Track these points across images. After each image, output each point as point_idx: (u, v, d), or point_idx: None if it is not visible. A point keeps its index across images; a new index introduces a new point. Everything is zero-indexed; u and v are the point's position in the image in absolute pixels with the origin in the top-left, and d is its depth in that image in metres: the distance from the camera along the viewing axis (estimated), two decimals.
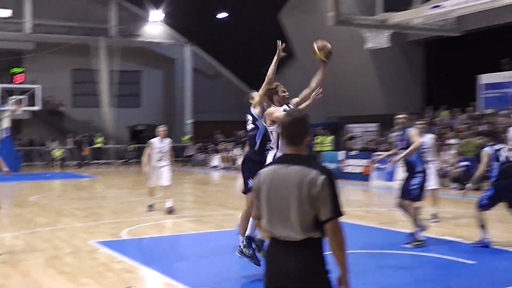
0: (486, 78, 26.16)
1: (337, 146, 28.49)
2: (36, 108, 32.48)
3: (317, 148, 26.51)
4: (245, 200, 8.11)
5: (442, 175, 20.62)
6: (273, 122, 7.38)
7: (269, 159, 7.44)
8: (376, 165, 11.81)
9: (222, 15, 38.10)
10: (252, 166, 7.68)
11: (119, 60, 38.13)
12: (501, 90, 25.45)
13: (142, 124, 40.14)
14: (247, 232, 7.81)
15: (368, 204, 17.55)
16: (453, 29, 9.03)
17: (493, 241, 9.86)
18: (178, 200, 16.47)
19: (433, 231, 11.06)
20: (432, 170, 11.71)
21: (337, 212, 3.67)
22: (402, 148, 10.09)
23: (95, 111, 38.77)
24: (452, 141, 22.03)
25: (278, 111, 7.41)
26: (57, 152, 34.91)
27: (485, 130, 18.54)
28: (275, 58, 7.69)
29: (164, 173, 14.29)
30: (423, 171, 10.02)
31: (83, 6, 38.50)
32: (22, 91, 32.15)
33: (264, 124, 7.68)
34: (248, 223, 7.83)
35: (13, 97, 31.30)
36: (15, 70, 38.28)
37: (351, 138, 28.34)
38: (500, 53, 25.82)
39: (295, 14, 32.21)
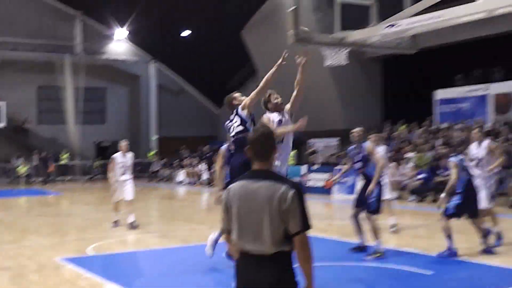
0: (441, 94, 26.57)
1: (300, 161, 28.61)
2: (1, 125, 31.99)
3: None
4: None
5: (401, 187, 20.91)
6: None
7: None
8: (337, 180, 11.94)
9: (186, 32, 38.12)
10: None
11: (85, 77, 37.82)
12: (456, 105, 25.88)
13: (107, 140, 39.80)
14: None
15: (330, 217, 17.63)
16: (408, 47, 9.15)
17: None
18: (143, 216, 16.34)
19: (392, 243, 11.16)
20: (385, 181, 11.85)
21: (306, 225, 3.68)
22: (358, 161, 10.23)
23: (61, 128, 38.32)
24: (410, 154, 22.33)
25: (270, 120, 7.66)
26: (23, 169, 34.39)
27: (453, 141, 18.98)
28: (277, 64, 7.74)
29: (127, 187, 14.19)
30: (379, 183, 10.16)
31: (48, 23, 38.12)
32: None
33: None
34: None
35: None
36: None
37: (313, 152, 28.49)
38: (454, 70, 26.27)
39: (257, 32, 32.36)
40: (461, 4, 7.84)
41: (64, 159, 37.25)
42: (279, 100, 8.01)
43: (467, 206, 9.87)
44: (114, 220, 14.40)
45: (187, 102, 42.95)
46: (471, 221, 10.07)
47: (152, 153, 39.55)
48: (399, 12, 8.28)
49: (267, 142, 3.86)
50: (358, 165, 10.27)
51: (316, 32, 8.73)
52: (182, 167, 34.01)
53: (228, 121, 7.85)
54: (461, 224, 10.55)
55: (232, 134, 7.73)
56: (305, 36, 7.96)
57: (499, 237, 10.72)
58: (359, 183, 10.70)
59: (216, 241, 9.14)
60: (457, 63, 26.27)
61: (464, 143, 18.35)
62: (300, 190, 3.72)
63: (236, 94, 8.05)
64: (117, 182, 14.15)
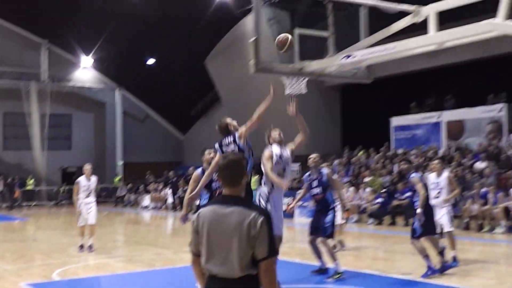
0: (396, 121, 27.00)
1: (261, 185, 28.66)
2: None
3: None
4: None
5: (360, 211, 21.12)
6: (270, 160, 7.97)
7: (262, 194, 7.88)
8: (293, 205, 12.05)
9: (151, 61, 38.18)
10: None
11: (51, 104, 37.46)
12: (411, 132, 26.32)
13: (73, 166, 39.33)
14: None
15: (292, 240, 17.64)
16: (364, 76, 9.32)
17: (406, 273, 10.11)
18: (109, 240, 16.18)
19: (351, 265, 11.25)
20: (338, 206, 12.00)
21: (272, 252, 3.72)
22: (316, 187, 10.27)
23: (27, 154, 37.78)
24: (368, 179, 22.60)
25: (272, 153, 8.10)
26: None
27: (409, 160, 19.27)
28: (269, 97, 7.98)
29: (91, 211, 14.14)
30: (334, 208, 10.28)
31: (14, 51, 37.68)
32: None
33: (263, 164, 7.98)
34: None
35: None
36: None
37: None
38: (409, 98, 26.73)
39: (220, 61, 32.57)
40: (413, 37, 8.05)
41: (30, 184, 36.68)
42: (279, 134, 8.58)
43: (429, 224, 10.03)
44: (80, 244, 14.29)
45: (152, 128, 42.81)
46: (430, 238, 10.19)
47: (117, 178, 39.23)
48: (355, 43, 8.45)
49: (236, 168, 3.89)
50: (316, 190, 10.29)
51: (276, 62, 8.84)
52: (147, 192, 33.78)
53: (221, 144, 7.87)
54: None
55: None
56: (265, 66, 8.06)
57: (455, 260, 10.95)
58: (313, 209, 10.73)
59: None
60: (411, 92, 26.78)
61: (420, 167, 18.69)
62: (269, 217, 3.75)
63: (230, 119, 8.14)
64: (81, 205, 14.10)
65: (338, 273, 9.89)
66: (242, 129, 7.81)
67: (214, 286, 3.77)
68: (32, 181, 36.82)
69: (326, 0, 8.43)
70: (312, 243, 10.34)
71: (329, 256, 10.09)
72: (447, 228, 11.02)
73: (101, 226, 20.39)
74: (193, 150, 40.84)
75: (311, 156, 10.47)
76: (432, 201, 10.57)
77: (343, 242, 13.29)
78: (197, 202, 8.51)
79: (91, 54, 38.27)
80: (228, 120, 8.09)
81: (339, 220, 12.18)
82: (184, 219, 8.32)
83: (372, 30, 8.68)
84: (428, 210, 10.03)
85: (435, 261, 10.08)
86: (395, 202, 19.79)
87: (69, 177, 37.86)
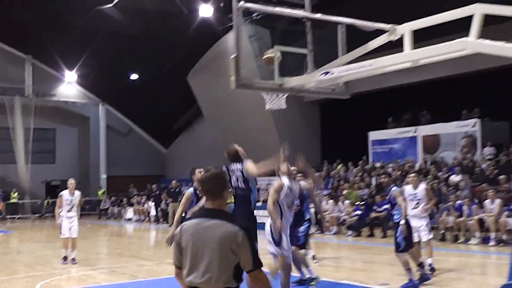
0: (374, 135, 27.19)
1: None
2: None
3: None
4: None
5: (339, 223, 21.19)
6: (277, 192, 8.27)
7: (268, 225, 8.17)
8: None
9: (134, 76, 38.16)
10: (254, 227, 7.70)
11: (35, 118, 37.20)
12: (388, 146, 26.52)
13: (57, 179, 39.02)
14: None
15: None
16: (342, 92, 9.43)
17: (384, 283, 10.17)
18: (93, 252, 16.08)
19: (331, 276, 11.30)
20: (312, 217, 12.10)
21: (257, 264, 3.79)
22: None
23: (11, 167, 37.40)
24: (346, 192, 22.70)
25: (281, 184, 8.40)
26: None
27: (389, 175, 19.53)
28: (277, 158, 8.23)
29: (73, 225, 14.13)
30: (309, 219, 10.36)
31: None
32: None
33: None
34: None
35: None
36: None
37: (257, 190, 28.59)
38: (386, 113, 26.94)
39: (201, 76, 32.59)
40: (389, 54, 8.17)
41: (14, 197, 36.34)
42: (288, 168, 8.75)
43: (410, 237, 10.14)
44: (63, 256, 14.27)
45: (135, 143, 42.68)
46: (410, 251, 10.27)
47: (101, 191, 38.99)
48: (333, 60, 8.55)
49: (218, 181, 3.93)
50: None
51: (257, 78, 8.91)
52: (130, 205, 33.59)
53: (228, 168, 8.01)
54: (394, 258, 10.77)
55: (234, 185, 7.97)
56: (246, 82, 8.13)
57: (432, 269, 11.17)
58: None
59: None
60: (388, 107, 27.00)
61: (398, 180, 18.81)
62: (250, 231, 3.81)
63: (239, 148, 8.19)
64: (63, 218, 14.05)
65: (314, 279, 9.97)
66: (249, 169, 7.82)
67: None
68: (16, 194, 36.49)
69: (305, 18, 8.53)
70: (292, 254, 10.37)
71: (301, 265, 10.16)
72: (426, 237, 11.20)
73: (85, 238, 20.28)
74: (176, 164, 40.79)
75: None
76: (411, 212, 10.74)
77: (315, 256, 13.29)
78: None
79: (75, 70, 38.13)
80: (238, 147, 8.16)
81: (312, 230, 12.28)
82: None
83: (350, 48, 8.79)
84: (408, 223, 10.13)
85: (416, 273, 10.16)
86: (373, 214, 19.90)
87: (53, 190, 37.56)
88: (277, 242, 8.26)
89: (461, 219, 17.22)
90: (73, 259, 14.13)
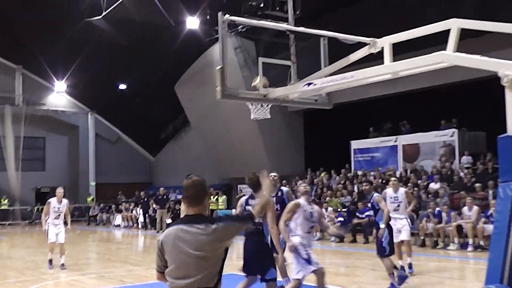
0: (356, 144, 27.30)
1: (229, 205, 28.72)
2: None
3: (212, 207, 26.58)
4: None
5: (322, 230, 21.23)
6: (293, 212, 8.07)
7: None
8: None
9: (122, 86, 38.10)
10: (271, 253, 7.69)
11: (25, 127, 37.05)
12: (369, 154, 26.64)
13: (47, 186, 38.77)
14: None
15: None
16: (325, 102, 9.51)
17: None
18: (82, 257, 16.00)
19: (314, 280, 11.29)
20: None
21: (247, 217, 4.01)
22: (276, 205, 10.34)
23: (1, 175, 37.07)
24: (328, 199, 22.79)
25: (298, 204, 8.22)
26: None
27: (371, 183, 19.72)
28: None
29: (60, 232, 14.11)
30: (288, 225, 10.35)
31: None
32: None
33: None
34: None
35: None
36: None
37: (242, 196, 28.58)
38: (367, 123, 27.09)
39: (189, 87, 32.61)
40: (370, 66, 8.26)
41: (5, 204, 36.08)
42: (307, 188, 8.51)
43: (392, 242, 10.25)
44: (49, 259, 14.28)
45: (123, 151, 42.56)
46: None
47: (90, 198, 38.82)
48: (316, 72, 8.64)
49: (199, 188, 3.98)
50: (275, 207, 10.34)
51: (242, 88, 8.96)
52: (119, 211, 33.45)
53: (247, 203, 8.07)
54: (377, 263, 10.84)
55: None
56: (231, 93, 8.19)
57: (410, 266, 11.67)
58: None
59: None
60: (369, 117, 27.17)
61: (379, 188, 18.93)
62: (221, 218, 3.94)
63: (255, 176, 7.98)
64: (49, 225, 14.05)
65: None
66: (255, 211, 7.67)
67: None
68: (6, 201, 36.23)
69: (288, 31, 8.60)
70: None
71: (280, 272, 10.14)
72: (407, 237, 11.69)
73: (74, 244, 20.19)
74: (163, 172, 40.71)
75: (271, 175, 10.54)
76: (393, 214, 11.01)
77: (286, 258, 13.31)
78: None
79: (64, 79, 38.06)
80: (256, 177, 7.92)
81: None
82: None
83: (332, 60, 8.89)
84: (389, 228, 10.24)
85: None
86: (355, 221, 19.97)
87: (43, 197, 37.23)
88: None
89: (440, 225, 17.34)
90: (62, 265, 14.06)
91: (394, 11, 22.22)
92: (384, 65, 8.14)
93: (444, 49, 7.50)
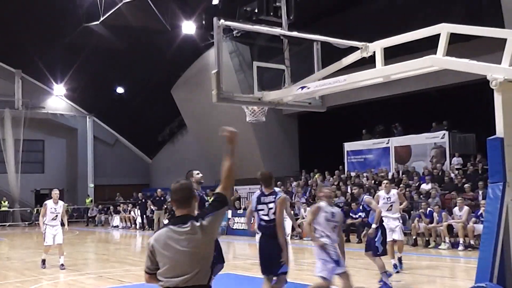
0: (349, 146, 27.32)
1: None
2: None
3: None
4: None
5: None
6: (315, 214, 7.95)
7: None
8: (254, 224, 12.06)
9: (120, 90, 38.09)
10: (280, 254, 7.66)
11: (24, 130, 37.01)
12: (362, 156, 26.67)
13: (46, 188, 38.67)
14: None
15: (254, 257, 17.66)
16: (318, 105, 9.53)
17: (360, 287, 10.21)
18: (80, 258, 15.97)
19: (309, 280, 11.30)
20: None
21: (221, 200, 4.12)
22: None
23: (1, 177, 37.02)
24: None
25: (320, 207, 8.02)
26: None
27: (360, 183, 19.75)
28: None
29: (57, 233, 14.07)
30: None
31: None
32: None
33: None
34: None
35: None
36: None
37: (238, 198, 28.61)
38: (360, 125, 27.13)
39: (185, 90, 32.60)
40: (362, 70, 8.29)
41: (4, 206, 36.00)
42: (329, 190, 8.51)
43: (384, 242, 10.30)
44: (42, 259, 14.27)
45: (121, 153, 42.55)
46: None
47: (89, 199, 38.78)
48: (309, 75, 8.66)
49: (187, 191, 4.08)
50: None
51: (237, 92, 8.98)
52: (117, 212, 33.40)
53: (260, 201, 7.81)
54: (367, 263, 10.85)
55: (265, 218, 7.84)
56: (226, 96, 8.20)
57: (400, 262, 12.00)
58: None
59: None
60: (362, 120, 27.21)
61: (372, 189, 18.98)
62: (204, 211, 4.04)
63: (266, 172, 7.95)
64: (47, 227, 14.01)
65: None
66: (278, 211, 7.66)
67: None
68: (6, 202, 36.17)
69: (282, 36, 8.62)
70: None
71: None
72: (399, 237, 11.91)
73: (73, 244, 20.16)
74: (160, 173, 40.68)
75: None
76: (386, 214, 11.09)
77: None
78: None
79: (63, 83, 38.06)
80: (266, 174, 7.87)
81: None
82: None
83: (325, 64, 8.91)
84: (382, 227, 10.27)
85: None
86: (349, 221, 19.98)
87: (42, 199, 36.92)
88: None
89: (431, 225, 17.38)
90: (62, 265, 14.01)
91: (386, 17, 22.29)
92: (376, 69, 8.16)
93: (435, 53, 7.52)
